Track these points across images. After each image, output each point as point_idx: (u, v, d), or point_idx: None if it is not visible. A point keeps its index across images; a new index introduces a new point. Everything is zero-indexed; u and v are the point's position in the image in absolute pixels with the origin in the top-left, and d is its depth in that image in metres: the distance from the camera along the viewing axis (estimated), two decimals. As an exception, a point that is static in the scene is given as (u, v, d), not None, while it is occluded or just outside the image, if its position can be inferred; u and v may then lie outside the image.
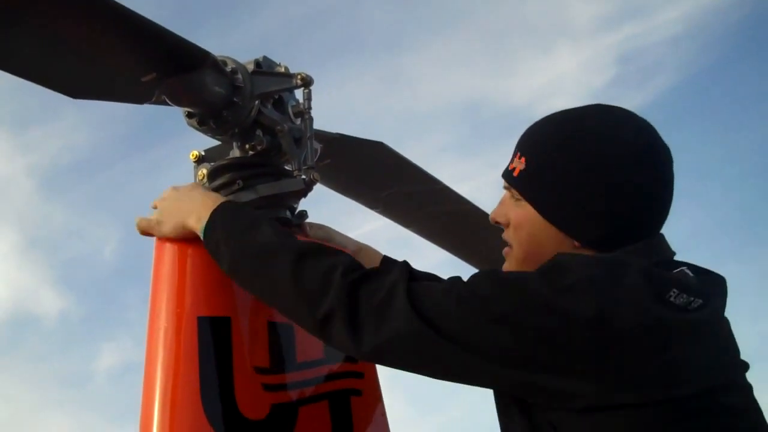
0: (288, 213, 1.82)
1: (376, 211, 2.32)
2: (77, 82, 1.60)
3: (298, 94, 1.82)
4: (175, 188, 1.61)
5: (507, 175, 1.45)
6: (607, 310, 1.16)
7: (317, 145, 1.85)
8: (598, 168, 1.33)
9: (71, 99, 1.61)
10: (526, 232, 1.40)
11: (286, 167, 1.81)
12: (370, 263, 1.89)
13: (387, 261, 1.83)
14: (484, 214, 2.42)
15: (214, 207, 1.50)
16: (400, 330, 1.23)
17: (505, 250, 1.47)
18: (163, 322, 1.53)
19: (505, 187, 1.46)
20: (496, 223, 1.48)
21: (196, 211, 1.52)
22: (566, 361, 1.17)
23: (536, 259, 1.36)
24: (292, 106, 1.82)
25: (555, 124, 1.41)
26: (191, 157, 1.86)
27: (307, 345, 1.69)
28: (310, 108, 1.77)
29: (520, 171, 1.40)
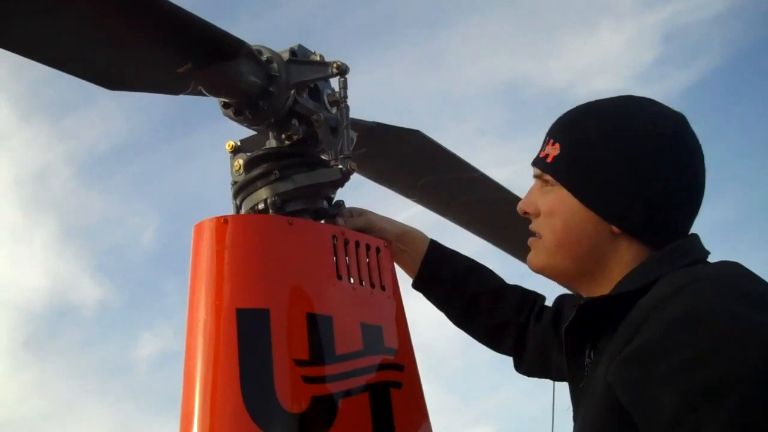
0: (325, 203, 1.83)
1: (413, 200, 2.33)
2: (114, 74, 1.62)
3: (334, 82, 1.83)
4: None
5: (539, 161, 1.43)
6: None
7: (353, 134, 1.86)
8: (637, 151, 1.32)
9: (108, 90, 1.63)
10: (561, 219, 1.37)
11: (323, 157, 1.82)
12: (416, 247, 1.92)
13: None
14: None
15: None
16: None
17: (531, 240, 1.45)
18: (202, 313, 1.55)
19: (535, 176, 1.44)
20: (525, 213, 1.46)
21: None
22: None
23: (570, 248, 1.36)
24: (328, 95, 1.83)
25: (589, 110, 1.41)
26: (227, 147, 1.88)
27: (347, 336, 1.70)
28: (346, 97, 1.78)
29: (555, 156, 1.39)
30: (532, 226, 1.44)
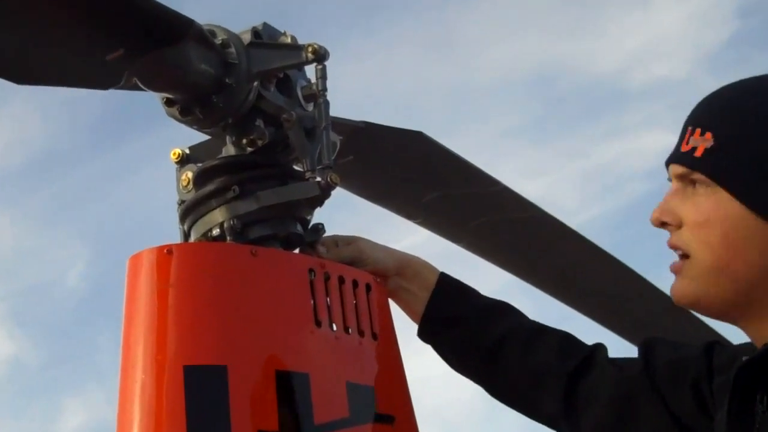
0: (299, 227, 1.81)
1: (416, 222, 2.32)
2: (22, 63, 1.60)
3: (310, 72, 1.81)
4: None
5: (681, 157, 1.41)
6: None
7: (336, 138, 1.85)
8: None
9: (15, 85, 1.62)
10: (720, 231, 1.36)
11: (296, 167, 1.82)
12: (421, 282, 1.91)
13: None
14: (559, 224, 2.42)
15: None
16: None
17: (674, 264, 1.43)
18: (140, 372, 1.53)
19: (676, 176, 1.43)
20: (662, 225, 1.44)
21: None
22: None
23: (734, 269, 1.35)
24: (302, 88, 1.82)
25: (752, 90, 1.41)
26: (172, 157, 1.87)
27: (328, 400, 1.68)
28: (324, 89, 1.76)
29: (707, 149, 1.37)
30: (672, 242, 1.43)
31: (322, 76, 1.76)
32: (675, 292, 1.43)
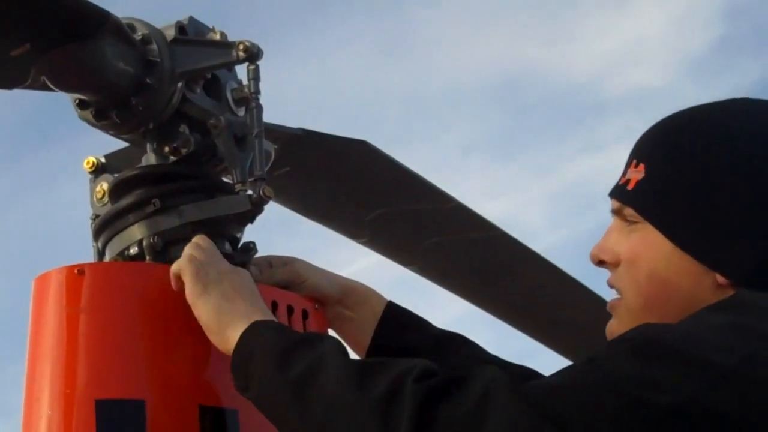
0: (228, 246, 1.81)
1: (360, 242, 2.32)
2: None
3: (242, 72, 1.82)
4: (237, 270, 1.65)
5: (617, 190, 1.46)
6: None
7: (270, 146, 1.85)
8: (754, 173, 1.35)
9: None
10: (646, 268, 1.40)
11: (225, 179, 1.82)
12: (366, 311, 1.90)
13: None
14: (520, 246, 2.44)
15: (261, 319, 1.54)
16: None
17: (610, 303, 1.47)
18: (45, 407, 1.53)
19: (614, 212, 1.47)
20: (600, 263, 1.48)
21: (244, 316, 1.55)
22: None
23: (659, 309, 1.38)
24: (233, 90, 1.83)
25: (687, 120, 1.44)
26: (86, 166, 1.87)
27: (260, 437, 1.68)
28: (257, 92, 1.76)
29: (638, 182, 1.42)
30: (612, 280, 1.47)
31: (255, 77, 1.76)
32: (606, 332, 1.47)
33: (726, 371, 1.14)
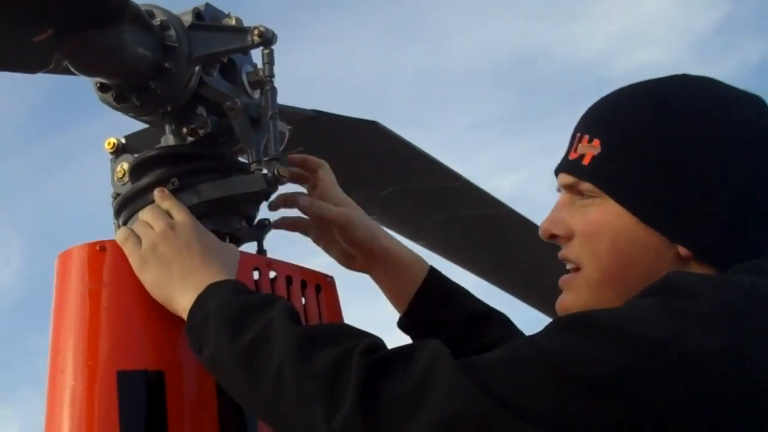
0: (244, 223, 1.80)
1: (372, 218, 2.31)
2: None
3: (257, 56, 1.80)
4: (176, 230, 1.61)
5: (569, 166, 1.42)
6: (748, 345, 1.15)
7: (284, 128, 1.83)
8: (711, 146, 1.33)
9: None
10: (608, 241, 1.37)
11: (240, 159, 1.80)
12: (407, 278, 1.88)
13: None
14: (525, 222, 2.43)
15: (215, 280, 1.51)
16: (454, 411, 1.17)
17: (564, 278, 1.44)
18: (69, 378, 1.52)
19: (563, 186, 1.44)
20: (551, 237, 1.44)
21: (190, 279, 1.54)
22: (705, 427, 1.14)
23: (621, 281, 1.36)
24: (248, 74, 1.81)
25: (641, 95, 1.41)
26: (107, 146, 1.86)
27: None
28: (272, 75, 1.74)
29: (594, 157, 1.39)
30: (565, 253, 1.43)
31: (269, 61, 1.74)
32: (557, 306, 1.45)
33: (651, 344, 1.13)
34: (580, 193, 1.40)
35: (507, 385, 1.16)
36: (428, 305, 1.85)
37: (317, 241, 1.88)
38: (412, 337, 1.87)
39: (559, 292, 1.47)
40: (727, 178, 1.32)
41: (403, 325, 1.87)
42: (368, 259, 1.85)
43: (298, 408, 1.29)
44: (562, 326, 1.21)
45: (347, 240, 1.82)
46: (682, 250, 1.33)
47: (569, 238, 1.41)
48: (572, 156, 1.42)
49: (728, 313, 1.16)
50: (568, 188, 1.42)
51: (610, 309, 1.24)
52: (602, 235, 1.37)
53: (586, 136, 1.40)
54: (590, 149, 1.39)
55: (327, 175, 1.85)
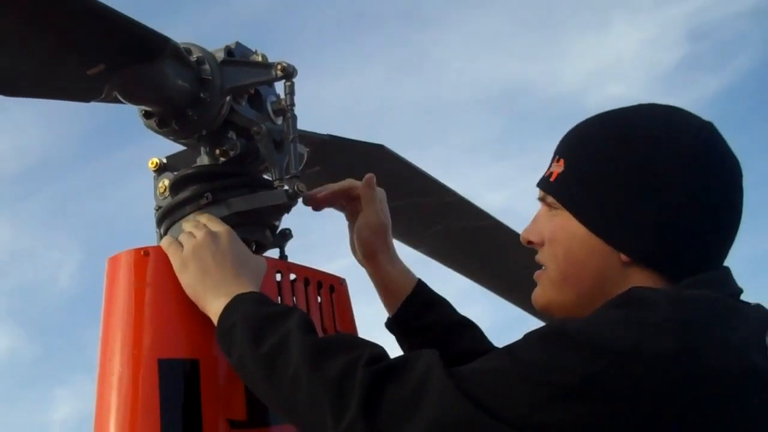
0: (268, 232, 1.83)
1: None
2: (11, 77, 1.61)
3: (280, 88, 1.83)
4: (215, 240, 1.63)
5: (542, 182, 1.48)
6: (700, 350, 1.16)
7: (303, 150, 1.86)
8: (649, 168, 1.36)
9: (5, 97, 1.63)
10: (563, 246, 1.42)
11: (265, 176, 1.83)
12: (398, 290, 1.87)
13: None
14: (511, 232, 2.44)
15: (242, 292, 1.55)
16: (443, 417, 1.20)
17: (537, 273, 1.49)
18: (117, 365, 1.54)
19: (540, 199, 1.49)
20: (529, 243, 1.50)
21: (222, 286, 1.57)
22: (668, 425, 1.15)
23: (574, 280, 1.41)
24: (272, 103, 1.84)
25: (599, 122, 1.45)
26: (150, 166, 1.88)
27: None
28: (292, 104, 1.77)
29: (558, 174, 1.44)
30: (538, 257, 1.48)
31: (291, 92, 1.77)
32: (533, 298, 1.50)
33: (615, 354, 1.15)
34: (549, 206, 1.46)
35: (488, 392, 1.19)
36: (412, 313, 1.87)
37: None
38: (397, 338, 1.90)
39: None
40: (660, 194, 1.34)
41: (390, 326, 1.90)
42: (370, 267, 1.88)
43: (310, 410, 1.34)
44: (538, 337, 1.23)
45: (360, 237, 1.86)
46: (624, 257, 1.37)
47: (541, 244, 1.47)
48: (546, 173, 1.47)
49: (681, 324, 1.18)
50: (541, 201, 1.48)
51: (580, 320, 1.26)
52: (560, 242, 1.42)
53: (557, 157, 1.46)
54: (557, 168, 1.44)
55: (370, 191, 1.85)
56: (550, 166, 1.47)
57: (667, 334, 1.16)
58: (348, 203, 1.88)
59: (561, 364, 1.17)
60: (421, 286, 1.89)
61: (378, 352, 1.36)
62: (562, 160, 1.44)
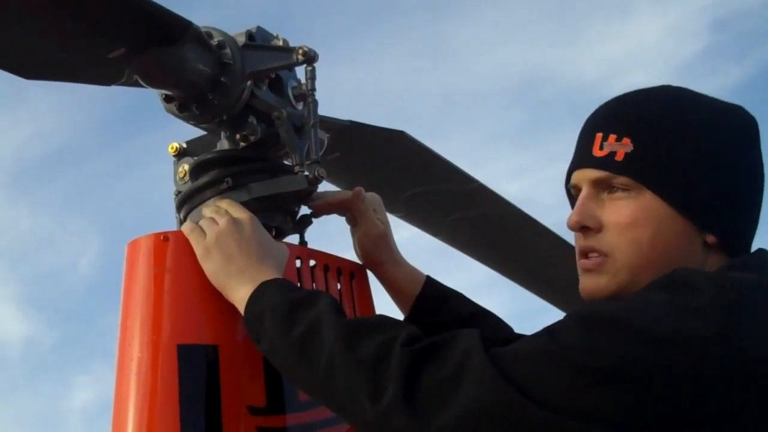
0: (287, 218, 1.82)
1: (397, 216, 2.32)
2: (30, 60, 1.61)
3: (301, 73, 1.82)
4: (238, 227, 1.62)
5: (599, 162, 1.40)
6: (741, 335, 1.15)
7: (323, 135, 1.85)
8: (722, 148, 1.36)
9: (25, 80, 1.63)
10: (650, 231, 1.35)
11: (285, 162, 1.82)
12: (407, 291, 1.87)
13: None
14: (532, 221, 2.43)
15: (266, 279, 1.53)
16: (482, 400, 1.18)
17: (591, 262, 1.40)
18: (137, 350, 1.54)
19: (591, 181, 1.41)
20: (582, 229, 1.41)
21: (247, 273, 1.56)
22: (708, 408, 1.14)
23: (658, 265, 1.34)
24: (293, 88, 1.82)
25: (658, 98, 1.42)
26: (170, 150, 1.88)
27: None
28: (313, 89, 1.76)
29: (627, 154, 1.37)
30: (591, 244, 1.40)
31: (312, 77, 1.76)
32: (591, 287, 1.41)
33: (655, 338, 1.14)
34: (610, 187, 1.39)
35: (529, 377, 1.18)
36: (424, 311, 1.86)
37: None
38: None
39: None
40: (735, 176, 1.36)
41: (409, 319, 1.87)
42: (374, 269, 1.89)
43: (346, 392, 1.32)
44: (577, 321, 1.21)
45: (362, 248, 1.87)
46: (710, 238, 1.35)
47: (599, 229, 1.39)
48: (598, 153, 1.39)
49: (724, 309, 1.16)
50: (596, 183, 1.40)
51: (620, 303, 1.25)
52: (643, 225, 1.36)
53: (613, 135, 1.38)
54: (621, 147, 1.37)
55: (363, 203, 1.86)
56: (601, 145, 1.39)
57: (709, 319, 1.15)
58: (347, 212, 1.88)
59: (601, 347, 1.16)
60: (429, 284, 1.89)
61: (413, 332, 1.33)
62: (626, 139, 1.37)
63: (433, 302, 1.86)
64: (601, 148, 1.39)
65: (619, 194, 1.38)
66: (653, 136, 1.37)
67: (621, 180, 1.37)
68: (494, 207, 2.37)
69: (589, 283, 1.41)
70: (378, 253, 1.87)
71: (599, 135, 1.40)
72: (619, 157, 1.37)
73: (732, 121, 1.40)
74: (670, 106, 1.40)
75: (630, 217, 1.37)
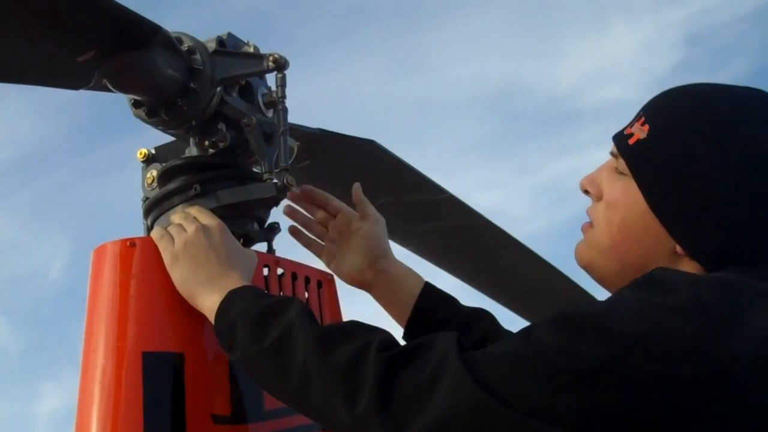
0: (256, 225, 1.80)
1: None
2: (-1, 62, 1.59)
3: (271, 80, 1.81)
4: (207, 234, 1.60)
5: (620, 140, 1.40)
6: (719, 335, 1.12)
7: (293, 143, 1.84)
8: (736, 160, 1.28)
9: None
10: (621, 215, 1.36)
11: (255, 169, 1.80)
12: (405, 290, 1.85)
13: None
14: (501, 232, 2.43)
15: (235, 287, 1.51)
16: (457, 405, 1.16)
17: (584, 225, 1.44)
18: (101, 358, 1.52)
19: (612, 153, 1.41)
20: (585, 192, 1.45)
21: (216, 281, 1.55)
22: (686, 409, 1.12)
23: (622, 252, 1.36)
24: (263, 95, 1.82)
25: (691, 93, 1.37)
26: (139, 156, 1.86)
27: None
28: (283, 97, 1.75)
29: (638, 140, 1.36)
30: (589, 210, 1.44)
31: (282, 84, 1.75)
32: (576, 249, 1.45)
33: (630, 340, 1.11)
34: (617, 166, 1.40)
35: (503, 380, 1.15)
36: (428, 309, 1.83)
37: (327, 256, 1.89)
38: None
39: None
40: (742, 196, 1.27)
41: (410, 325, 1.84)
42: (373, 274, 1.85)
43: (322, 400, 1.29)
44: (554, 323, 1.19)
45: (360, 249, 1.84)
46: (678, 248, 1.32)
47: (597, 198, 1.42)
48: (627, 131, 1.39)
49: (701, 308, 1.13)
50: (613, 155, 1.42)
51: (598, 303, 1.22)
52: (618, 208, 1.37)
53: (643, 119, 1.37)
54: (639, 132, 1.36)
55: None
56: (633, 124, 1.38)
57: (686, 319, 1.12)
58: (329, 208, 1.87)
59: (576, 349, 1.13)
60: (429, 285, 1.87)
61: (388, 337, 1.31)
62: (647, 126, 1.35)
63: (438, 298, 1.85)
64: (631, 126, 1.39)
65: (620, 174, 1.38)
66: (664, 129, 1.33)
67: (621, 163, 1.38)
68: (464, 217, 2.36)
69: (578, 246, 1.45)
70: (384, 245, 1.85)
71: (640, 114, 1.39)
72: (632, 141, 1.36)
73: (760, 148, 1.29)
74: (700, 100, 1.34)
75: (614, 197, 1.38)
